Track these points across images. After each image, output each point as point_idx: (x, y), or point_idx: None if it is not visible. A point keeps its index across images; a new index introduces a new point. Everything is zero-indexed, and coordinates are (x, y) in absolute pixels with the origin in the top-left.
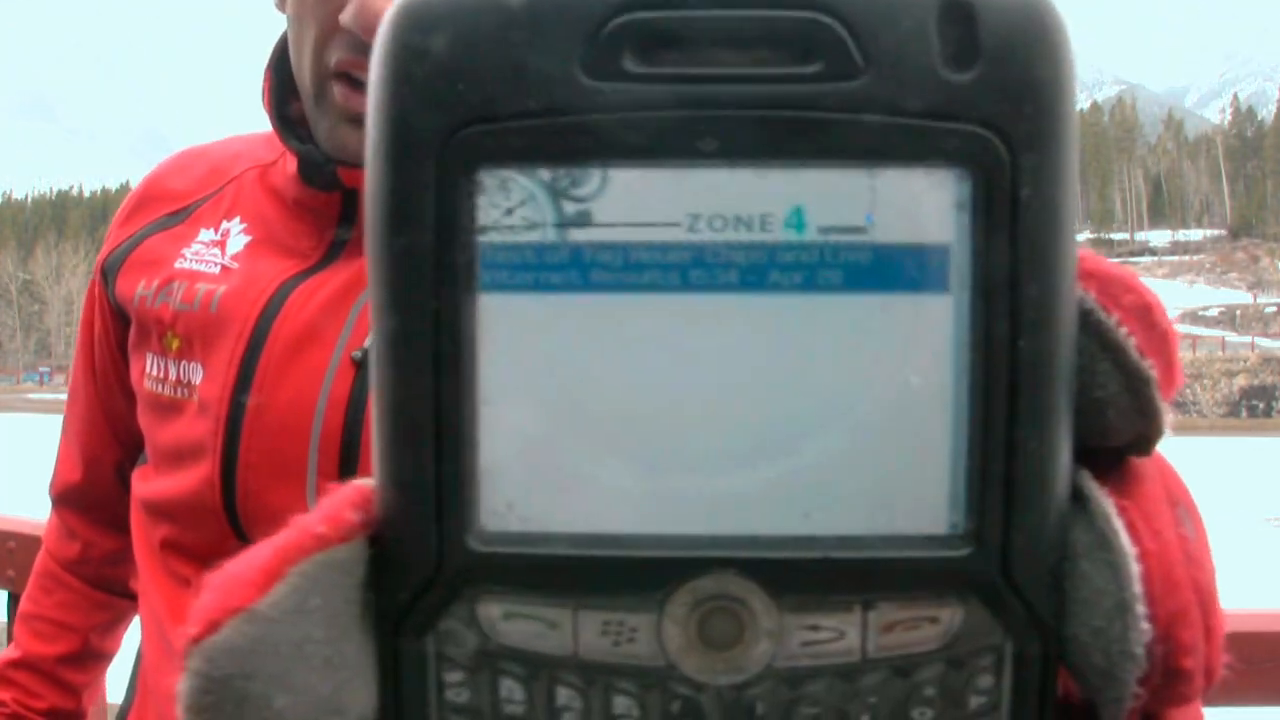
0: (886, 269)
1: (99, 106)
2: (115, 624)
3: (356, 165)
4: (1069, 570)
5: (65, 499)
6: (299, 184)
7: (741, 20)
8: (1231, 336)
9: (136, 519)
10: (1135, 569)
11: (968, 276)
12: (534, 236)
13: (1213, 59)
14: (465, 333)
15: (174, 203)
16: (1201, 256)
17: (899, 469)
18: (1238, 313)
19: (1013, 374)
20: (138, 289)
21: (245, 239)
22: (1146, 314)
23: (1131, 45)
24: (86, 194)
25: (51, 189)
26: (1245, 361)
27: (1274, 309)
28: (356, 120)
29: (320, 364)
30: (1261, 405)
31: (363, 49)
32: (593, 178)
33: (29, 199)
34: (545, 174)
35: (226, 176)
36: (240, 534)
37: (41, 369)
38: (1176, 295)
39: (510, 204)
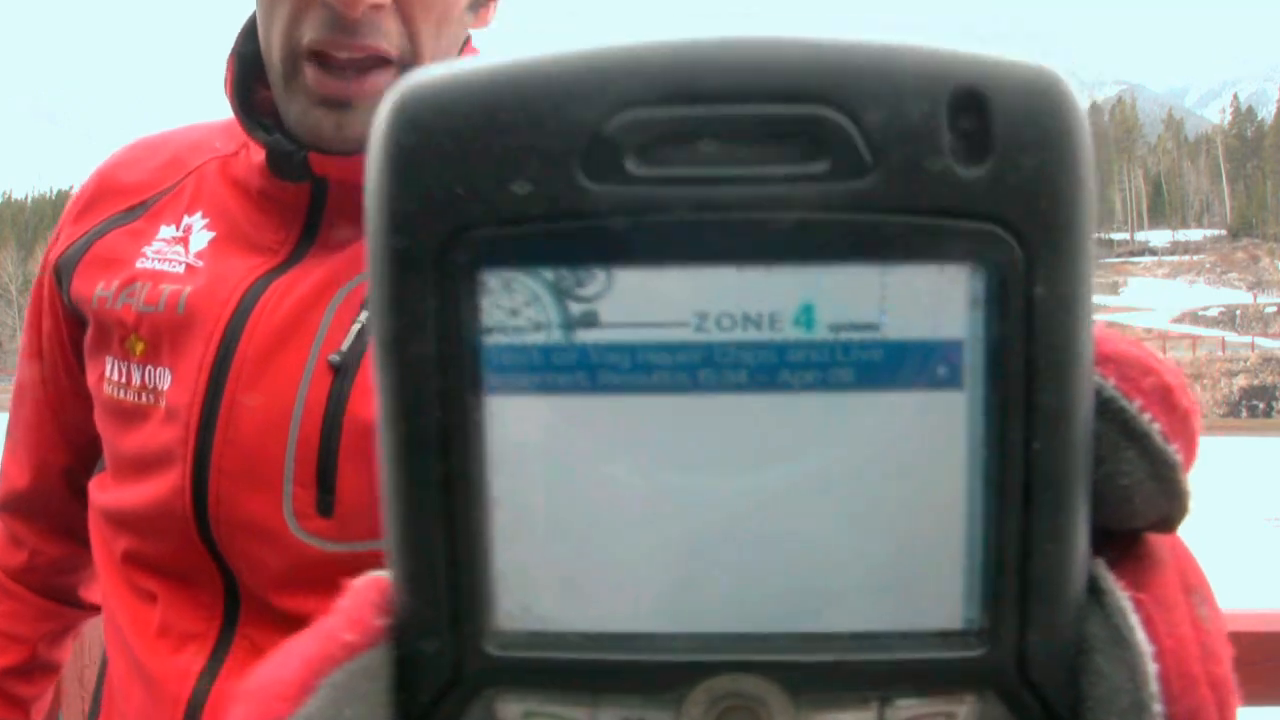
0: (899, 366)
1: (98, 107)
2: (64, 634)
3: (328, 150)
4: (1084, 665)
5: (11, 506)
6: (265, 176)
7: (744, 118)
8: (1231, 336)
9: (96, 530)
10: (1152, 668)
11: (981, 373)
12: (540, 337)
13: (1213, 59)
14: (473, 438)
15: (130, 197)
16: (1201, 256)
17: (913, 565)
18: (1238, 313)
19: (1028, 473)
20: (96, 289)
21: (209, 235)
22: (1168, 396)
23: (1131, 45)
24: None
25: (51, 189)
26: (1245, 361)
27: (1274, 309)
28: (329, 103)
29: (295, 367)
30: (1261, 405)
31: (338, 27)
32: (597, 278)
33: (29, 199)
34: (549, 275)
35: (185, 169)
36: (210, 544)
37: None
38: (1176, 295)
39: (514, 305)
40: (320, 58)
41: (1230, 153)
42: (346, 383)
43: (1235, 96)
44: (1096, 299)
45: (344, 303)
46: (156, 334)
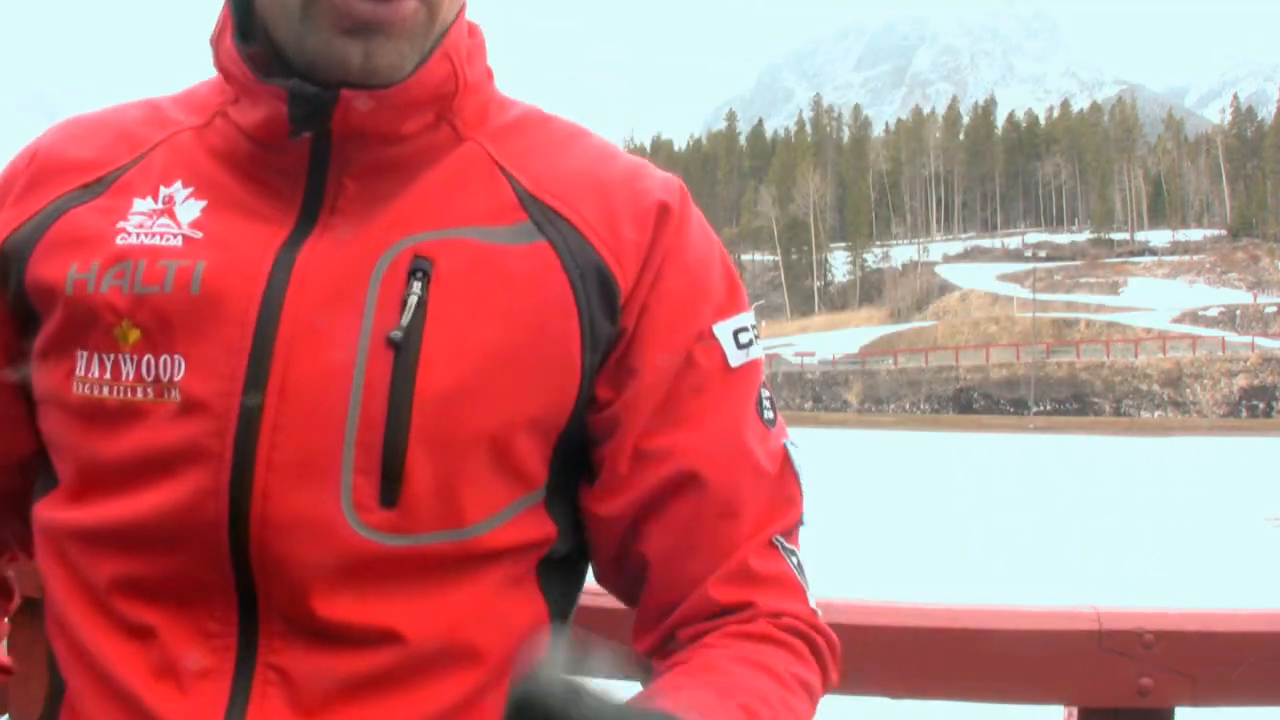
0: None
1: (96, 104)
2: None
3: (358, 85)
4: None
5: None
6: (255, 139)
7: None
8: (1231, 336)
9: (58, 559)
10: None
11: None
12: None
13: (1213, 59)
14: None
15: (85, 173)
16: (1201, 256)
17: None
18: (1238, 313)
19: None
20: (69, 272)
21: (198, 204)
22: None
23: (1131, 45)
24: None
25: None
26: (1245, 361)
27: (1274, 309)
28: (355, 30)
29: (348, 346)
30: (1261, 405)
31: None
32: None
33: None
34: None
35: (146, 143)
36: (239, 552)
37: None
38: (1176, 295)
39: None
40: None
41: (1230, 153)
42: (410, 360)
43: (1235, 96)
44: (1098, 299)
45: (388, 273)
46: (162, 318)
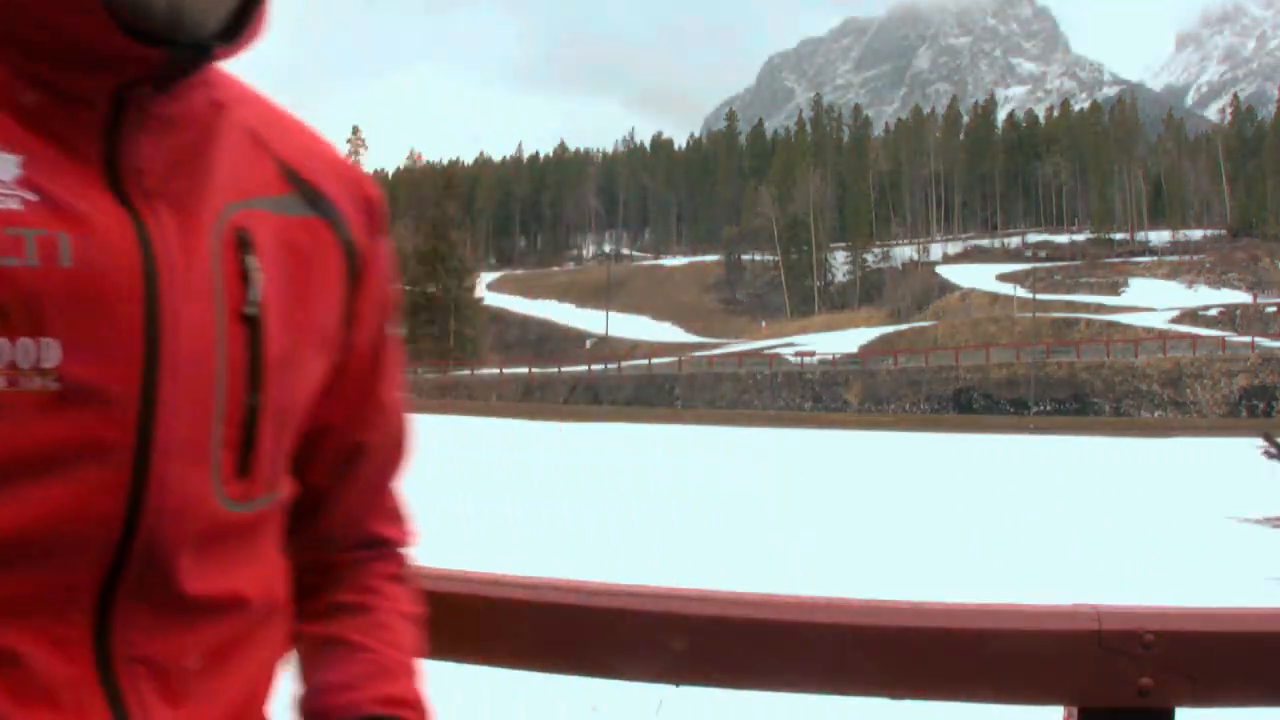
0: None
1: None
2: None
3: (161, 35)
4: None
5: None
6: (51, 95)
7: None
8: (1231, 336)
9: None
10: None
11: None
12: None
13: (1213, 59)
14: None
15: None
16: (1201, 256)
17: None
18: (1238, 313)
19: None
20: None
21: (12, 158)
22: None
23: (1131, 45)
24: None
25: None
26: (1245, 361)
27: (1274, 309)
28: None
29: (208, 321)
30: (1261, 405)
31: None
32: None
33: None
34: None
35: None
36: (123, 555)
37: None
38: (1176, 295)
39: None
40: None
41: (1230, 153)
42: (259, 332)
43: (1235, 96)
44: (1098, 299)
45: (224, 246)
46: (28, 296)
